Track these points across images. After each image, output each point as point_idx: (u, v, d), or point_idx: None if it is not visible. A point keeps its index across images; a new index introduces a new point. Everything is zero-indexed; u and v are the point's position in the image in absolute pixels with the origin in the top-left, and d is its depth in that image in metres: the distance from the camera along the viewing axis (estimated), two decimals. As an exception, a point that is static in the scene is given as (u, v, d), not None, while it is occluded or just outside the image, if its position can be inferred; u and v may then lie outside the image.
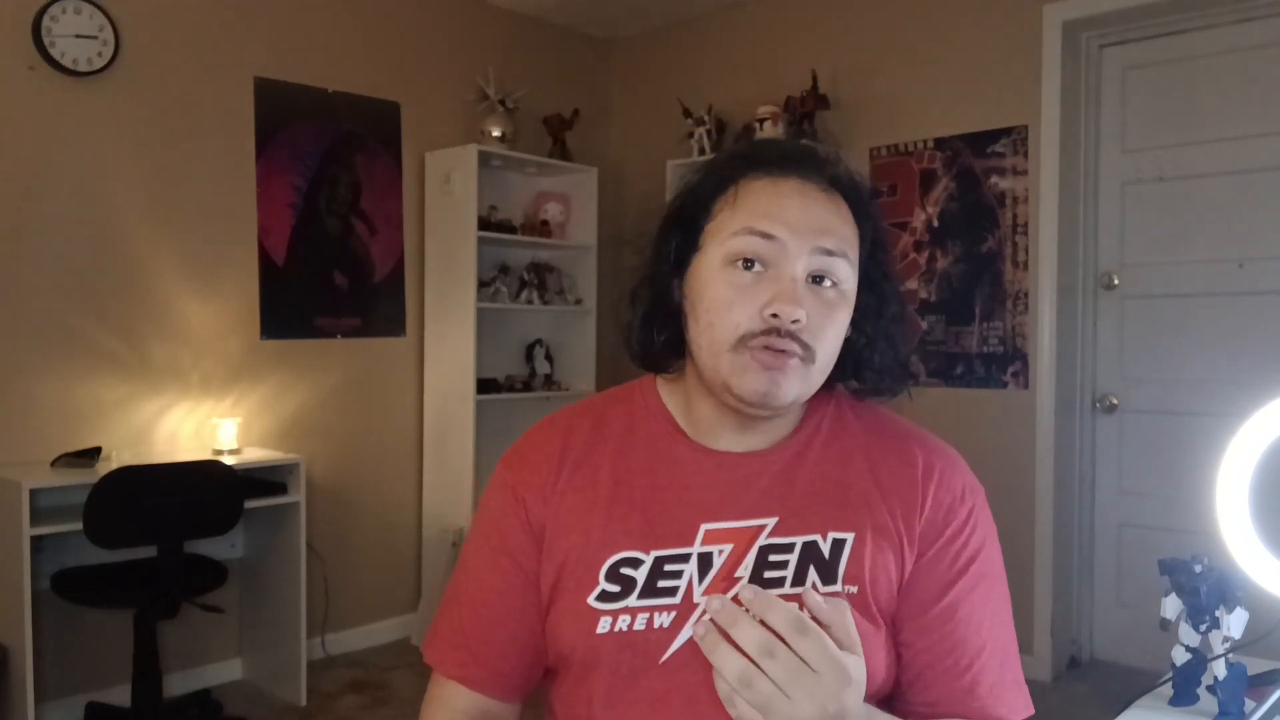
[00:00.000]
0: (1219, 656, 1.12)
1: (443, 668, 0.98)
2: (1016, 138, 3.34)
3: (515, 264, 4.07)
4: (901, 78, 3.61)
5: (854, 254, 0.90)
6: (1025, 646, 3.19)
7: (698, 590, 0.89)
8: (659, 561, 0.90)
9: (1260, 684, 1.17)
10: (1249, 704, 1.12)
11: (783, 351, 0.85)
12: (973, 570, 0.92)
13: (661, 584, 0.89)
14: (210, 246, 3.29)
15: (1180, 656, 1.17)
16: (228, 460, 2.94)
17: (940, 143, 3.52)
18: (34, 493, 2.59)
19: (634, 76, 4.57)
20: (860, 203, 0.92)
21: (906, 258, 3.62)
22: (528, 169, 4.10)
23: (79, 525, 2.54)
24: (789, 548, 0.90)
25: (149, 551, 2.68)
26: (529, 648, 0.96)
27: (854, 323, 0.93)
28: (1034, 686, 0.96)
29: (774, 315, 0.84)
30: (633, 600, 0.89)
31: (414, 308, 3.87)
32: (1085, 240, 3.37)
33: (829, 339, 0.88)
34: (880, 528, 0.91)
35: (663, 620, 0.88)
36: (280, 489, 3.12)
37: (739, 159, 0.93)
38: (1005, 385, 3.39)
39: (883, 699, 0.92)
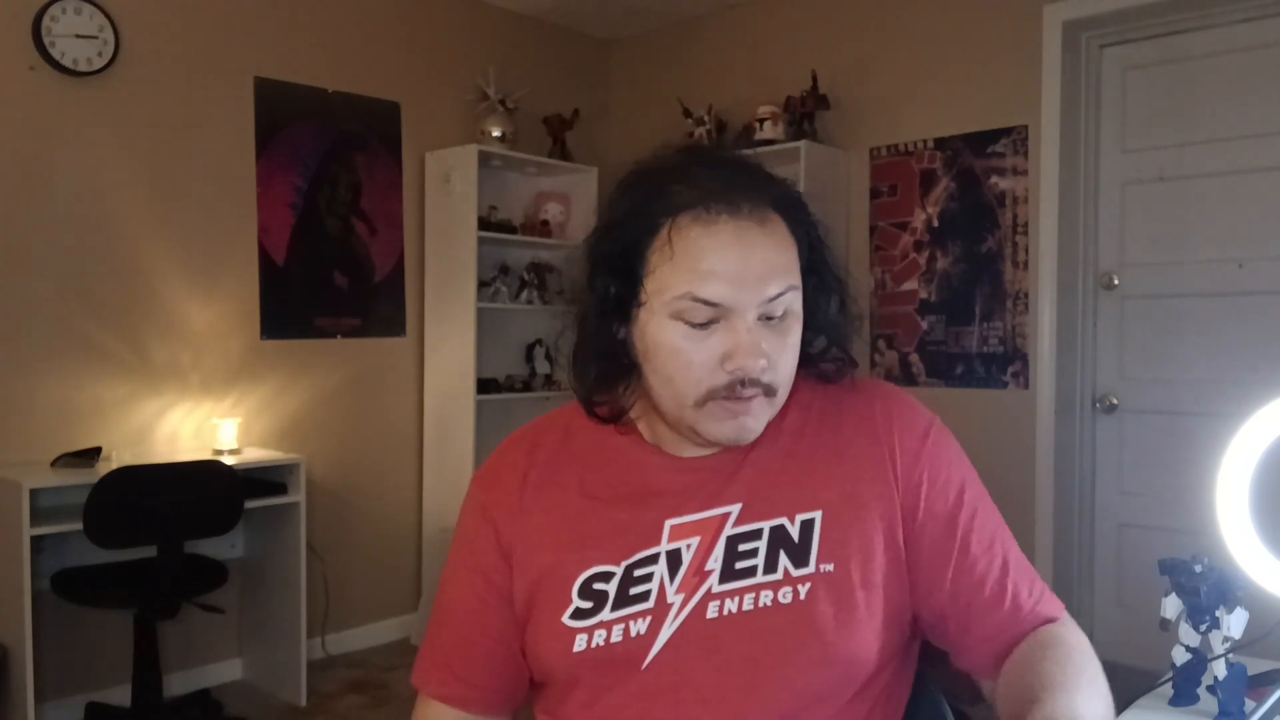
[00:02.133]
0: (1219, 656, 1.12)
1: (425, 688, 0.99)
2: (1016, 138, 3.34)
3: (515, 264, 4.07)
4: (901, 78, 3.61)
5: (796, 273, 0.89)
6: (1025, 646, 3.18)
7: (670, 589, 0.88)
8: (629, 569, 0.90)
9: (1260, 684, 1.17)
10: (1249, 704, 1.12)
11: (749, 398, 0.86)
12: (966, 499, 0.92)
13: (634, 591, 0.89)
14: (210, 246, 3.29)
15: (1180, 656, 1.17)
16: (228, 460, 2.95)
17: (940, 143, 3.52)
18: (34, 493, 2.59)
19: (634, 76, 4.57)
20: (793, 211, 0.90)
21: (906, 258, 3.62)
22: (528, 169, 4.10)
23: (79, 525, 2.54)
24: (757, 534, 0.89)
25: (149, 551, 2.68)
26: (509, 664, 0.96)
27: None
28: (1033, 686, 0.96)
29: (738, 369, 0.85)
30: (607, 614, 0.89)
31: (414, 308, 3.87)
32: (1085, 240, 3.37)
33: (787, 364, 0.89)
34: (850, 498, 0.91)
35: (639, 628, 0.88)
36: (280, 489, 3.12)
37: (663, 195, 0.88)
38: (1005, 385, 3.39)
39: (880, 673, 0.90)
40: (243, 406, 3.37)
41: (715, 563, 0.88)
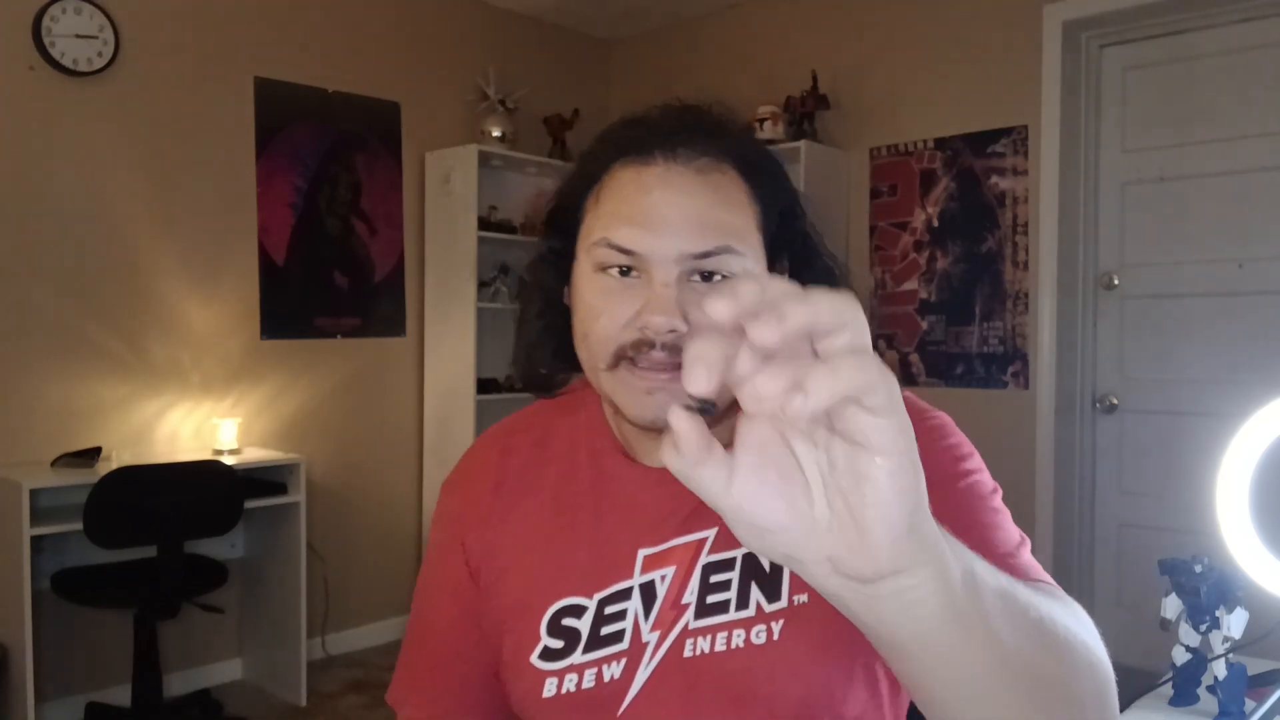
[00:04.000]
0: (1219, 656, 1.12)
1: (402, 709, 0.93)
2: (1016, 138, 3.34)
3: (515, 264, 4.07)
4: (901, 78, 3.61)
5: (750, 237, 0.77)
6: (1025, 646, 3.17)
7: (645, 627, 0.80)
8: (602, 604, 0.82)
9: (1260, 684, 1.17)
10: (1249, 704, 1.12)
11: (667, 368, 0.74)
12: (961, 468, 0.79)
13: (606, 630, 0.81)
14: (210, 246, 3.29)
15: (1180, 656, 1.17)
16: (228, 460, 2.94)
17: (940, 143, 3.52)
18: (34, 493, 2.59)
19: (634, 76, 4.56)
20: (756, 173, 0.79)
21: (906, 258, 3.62)
22: (528, 169, 4.10)
23: (79, 525, 2.54)
24: (730, 564, 0.81)
25: (149, 551, 2.68)
26: (486, 685, 0.90)
27: None
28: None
29: (643, 324, 0.74)
30: (578, 656, 0.81)
31: (414, 308, 3.87)
32: (1085, 240, 3.37)
33: None
34: None
35: (613, 671, 0.80)
36: (280, 489, 3.12)
37: (607, 142, 0.81)
38: (1005, 385, 3.39)
39: (870, 704, 0.81)
40: (243, 406, 3.37)
41: (691, 595, 0.81)
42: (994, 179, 3.40)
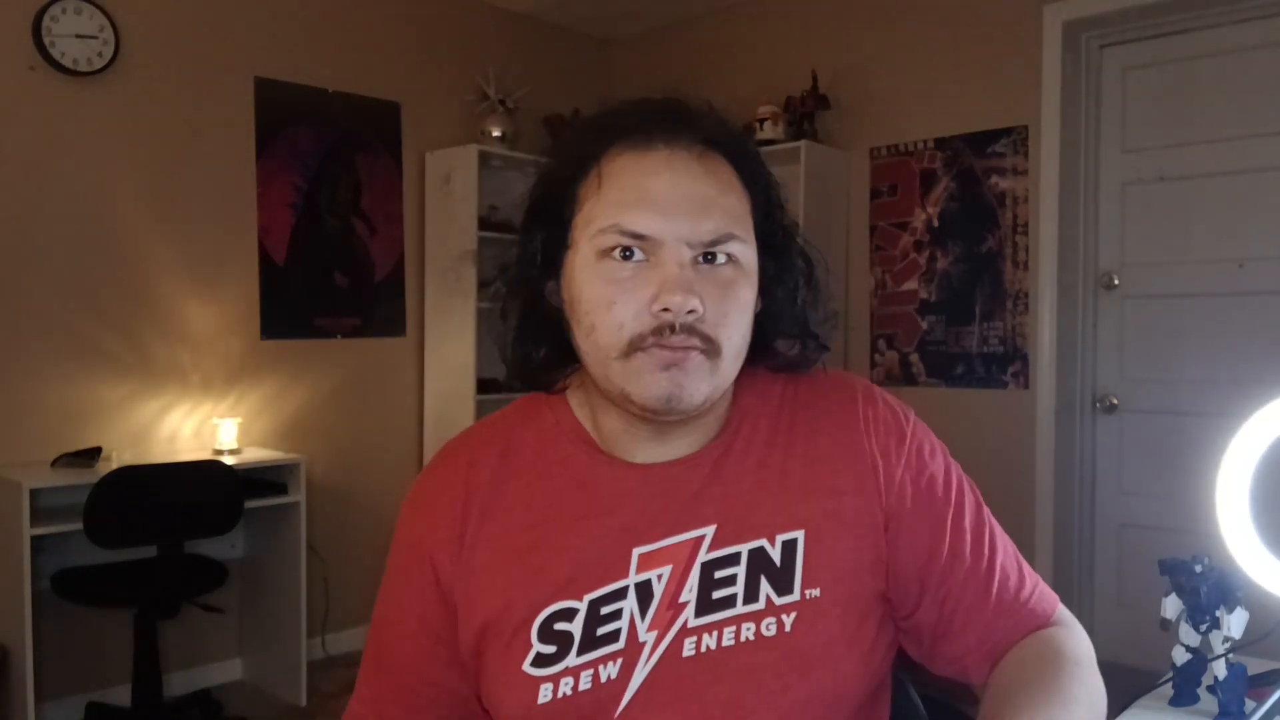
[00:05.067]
0: (1219, 656, 1.12)
1: None
2: (1016, 138, 3.34)
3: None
4: (901, 78, 3.61)
5: (745, 223, 0.80)
6: (1025, 646, 3.17)
7: (641, 627, 0.79)
8: (594, 605, 0.80)
9: (1260, 684, 1.17)
10: (1249, 704, 1.12)
11: (681, 348, 0.75)
12: (952, 497, 0.85)
13: (601, 630, 0.79)
14: (210, 246, 3.29)
15: (1180, 656, 1.17)
16: (228, 460, 2.94)
17: (940, 143, 3.52)
18: (34, 493, 2.59)
19: (633, 76, 4.56)
20: (745, 161, 0.82)
21: (906, 258, 3.62)
22: (528, 169, 4.09)
23: (79, 525, 2.54)
24: (734, 559, 0.80)
25: (149, 551, 2.68)
26: (457, 711, 0.88)
27: (760, 292, 0.83)
28: (1035, 687, 0.94)
29: (664, 310, 0.74)
30: (572, 659, 0.79)
31: (414, 308, 3.87)
32: (1085, 240, 3.37)
33: (733, 324, 0.78)
34: (833, 513, 0.82)
35: (610, 671, 0.78)
36: (280, 489, 3.12)
37: (598, 130, 0.83)
38: (1005, 385, 3.39)
39: (867, 700, 0.84)
40: (243, 406, 3.37)
41: (690, 593, 0.79)
42: (994, 179, 3.40)
